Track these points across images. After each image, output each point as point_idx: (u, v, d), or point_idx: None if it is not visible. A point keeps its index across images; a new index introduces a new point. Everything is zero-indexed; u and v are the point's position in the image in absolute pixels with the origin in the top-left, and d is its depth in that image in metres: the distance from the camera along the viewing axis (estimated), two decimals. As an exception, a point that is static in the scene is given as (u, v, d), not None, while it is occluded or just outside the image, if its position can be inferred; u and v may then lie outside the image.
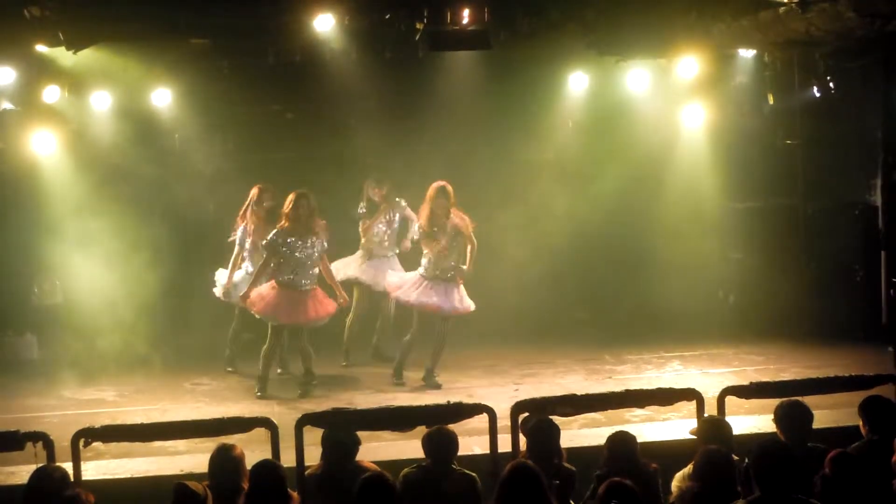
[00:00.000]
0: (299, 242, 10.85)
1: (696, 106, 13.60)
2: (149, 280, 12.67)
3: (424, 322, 11.17)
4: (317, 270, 10.99)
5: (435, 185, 11.11)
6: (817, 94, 12.67)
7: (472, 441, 7.98)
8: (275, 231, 10.90)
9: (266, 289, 10.98)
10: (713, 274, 13.83)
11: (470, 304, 11.24)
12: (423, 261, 11.19)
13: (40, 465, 6.87)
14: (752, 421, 8.99)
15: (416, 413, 7.78)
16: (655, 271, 13.68)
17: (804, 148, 13.62)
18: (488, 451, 7.63)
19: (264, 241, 11.00)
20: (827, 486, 5.97)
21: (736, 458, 6.66)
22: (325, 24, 10.92)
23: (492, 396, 9.92)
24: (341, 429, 7.32)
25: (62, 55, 10.86)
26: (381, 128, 13.18)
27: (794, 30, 10.57)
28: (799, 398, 7.25)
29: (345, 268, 12.11)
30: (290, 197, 10.92)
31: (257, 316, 11.05)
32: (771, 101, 13.31)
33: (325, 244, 11.04)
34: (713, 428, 7.17)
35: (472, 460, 7.53)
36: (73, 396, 11.40)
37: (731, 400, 8.09)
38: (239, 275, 11.70)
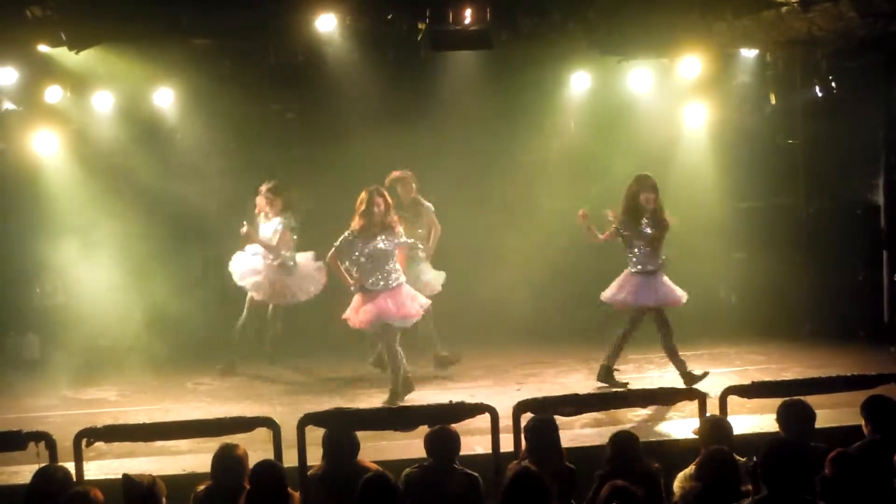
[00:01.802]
0: (370, 243, 10.35)
1: (698, 105, 13.61)
2: (150, 279, 12.69)
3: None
4: (396, 265, 10.49)
5: (639, 175, 10.79)
6: (819, 94, 12.69)
7: (474, 441, 7.98)
8: (348, 232, 10.39)
9: (357, 302, 10.50)
10: (715, 273, 13.81)
11: (681, 296, 10.92)
12: (634, 258, 10.89)
13: (43, 464, 6.88)
14: (754, 420, 8.99)
15: (417, 413, 7.79)
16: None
17: (806, 147, 13.62)
18: (490, 451, 7.63)
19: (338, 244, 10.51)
20: (827, 487, 5.95)
21: (743, 459, 6.67)
22: (326, 24, 10.94)
23: (494, 396, 9.91)
24: (343, 429, 7.32)
25: (64, 55, 10.87)
26: (383, 128, 13.16)
27: (795, 29, 10.59)
28: (801, 397, 7.25)
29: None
30: (362, 195, 10.37)
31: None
32: (773, 101, 13.35)
33: (402, 237, 10.55)
34: (715, 427, 7.17)
35: (475, 460, 7.54)
36: (76, 396, 11.41)
37: (733, 399, 8.09)
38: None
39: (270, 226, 11.91)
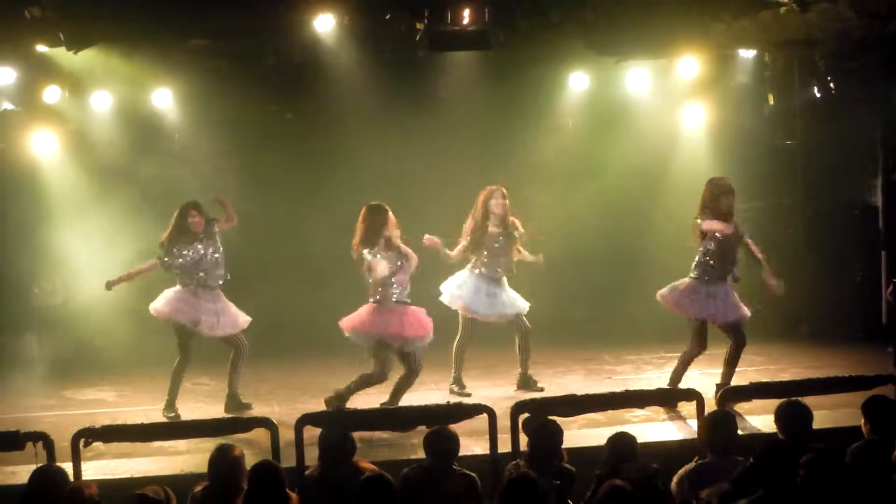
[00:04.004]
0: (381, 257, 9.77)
1: (697, 106, 13.62)
2: (148, 279, 12.67)
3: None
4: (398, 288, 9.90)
5: (714, 180, 10.41)
6: (817, 95, 12.69)
7: (472, 441, 7.98)
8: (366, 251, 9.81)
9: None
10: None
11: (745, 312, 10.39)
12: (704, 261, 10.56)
13: (40, 464, 6.88)
14: (751, 421, 8.99)
15: (416, 413, 7.79)
16: (655, 271, 13.63)
17: (804, 148, 13.62)
18: (488, 452, 7.63)
19: None
20: (800, 490, 5.89)
21: (741, 458, 6.66)
22: (325, 25, 10.95)
23: (492, 397, 9.91)
24: (340, 429, 7.32)
25: (62, 55, 10.88)
26: (381, 128, 13.18)
27: (794, 30, 10.61)
28: (799, 398, 7.25)
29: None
30: (363, 211, 9.86)
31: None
32: (771, 102, 13.34)
33: (407, 255, 9.90)
34: (716, 423, 7.15)
35: (473, 460, 7.53)
36: (73, 396, 11.41)
37: (730, 400, 8.10)
38: None
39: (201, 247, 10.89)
